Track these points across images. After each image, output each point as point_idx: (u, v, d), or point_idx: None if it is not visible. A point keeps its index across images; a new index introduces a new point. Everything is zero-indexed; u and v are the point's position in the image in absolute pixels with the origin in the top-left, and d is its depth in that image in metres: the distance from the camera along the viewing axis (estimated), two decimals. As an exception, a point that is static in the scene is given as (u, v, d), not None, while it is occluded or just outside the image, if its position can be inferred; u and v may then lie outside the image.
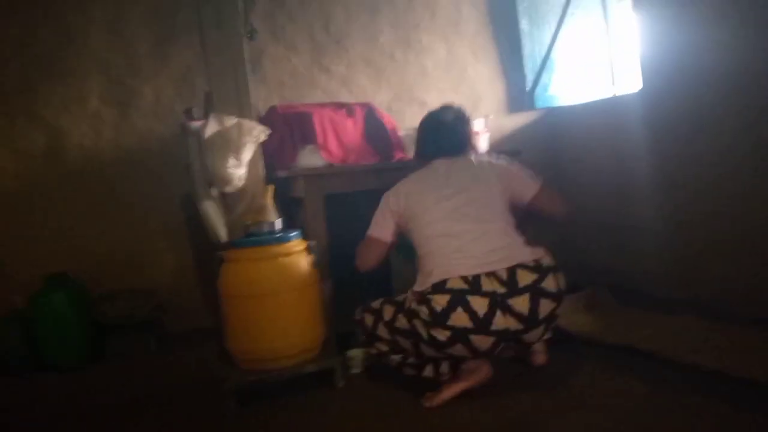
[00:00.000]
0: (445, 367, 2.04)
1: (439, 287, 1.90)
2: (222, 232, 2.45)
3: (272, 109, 2.86)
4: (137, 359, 2.84)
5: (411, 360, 2.05)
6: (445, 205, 2.05)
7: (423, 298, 1.93)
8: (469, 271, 1.90)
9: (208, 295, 3.11)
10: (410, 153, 2.98)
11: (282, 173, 2.64)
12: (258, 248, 2.17)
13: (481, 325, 1.86)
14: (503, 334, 1.91)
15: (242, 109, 2.50)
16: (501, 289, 1.88)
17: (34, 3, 2.98)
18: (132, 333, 2.94)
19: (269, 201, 2.34)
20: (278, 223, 2.28)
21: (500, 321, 1.88)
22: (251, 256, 2.16)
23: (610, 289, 2.96)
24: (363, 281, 2.68)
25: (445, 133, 2.22)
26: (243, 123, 2.37)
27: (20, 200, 3.00)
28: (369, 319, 2.11)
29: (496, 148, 3.28)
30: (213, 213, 2.45)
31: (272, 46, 3.33)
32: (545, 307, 1.93)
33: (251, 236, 2.23)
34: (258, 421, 1.99)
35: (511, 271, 1.91)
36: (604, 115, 3.33)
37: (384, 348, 2.08)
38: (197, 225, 2.56)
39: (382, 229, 2.16)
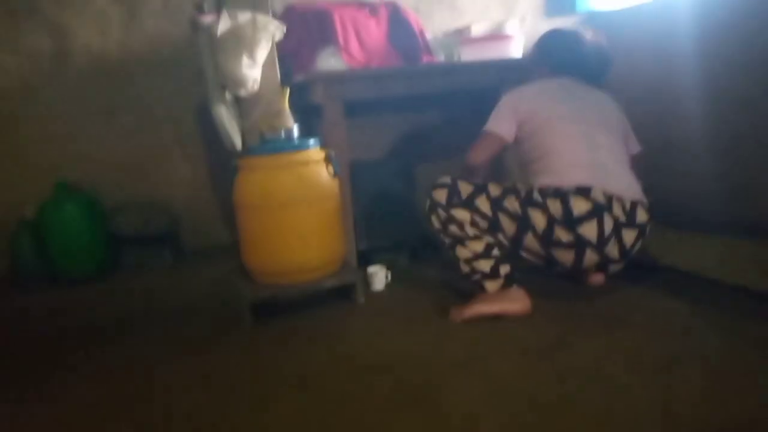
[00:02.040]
0: (504, 269, 1.92)
1: (584, 192, 1.86)
2: (237, 139, 2.30)
3: (289, 8, 2.64)
4: (152, 272, 2.78)
5: (479, 246, 1.92)
6: (580, 116, 2.02)
7: (559, 194, 1.86)
8: (610, 189, 1.89)
9: (225, 210, 3.02)
10: (440, 57, 2.77)
11: (299, 77, 2.45)
12: (274, 156, 2.02)
13: (600, 244, 1.86)
14: (605, 258, 1.91)
15: (257, 7, 2.29)
16: (622, 218, 1.88)
17: None
18: (147, 246, 2.86)
19: (286, 105, 2.17)
20: (296, 130, 2.11)
21: (610, 246, 1.88)
22: (267, 164, 2.01)
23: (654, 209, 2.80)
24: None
25: (585, 55, 2.14)
26: (258, 18, 2.18)
27: (27, 104, 2.85)
28: (466, 187, 1.96)
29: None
30: (227, 118, 2.30)
31: (289, -62, 3.05)
32: (638, 246, 1.95)
33: (267, 143, 2.08)
34: (275, 336, 1.91)
35: (633, 204, 1.92)
36: (652, 21, 3.02)
37: (466, 217, 1.92)
38: (214, 135, 2.41)
39: (502, 124, 2.06)
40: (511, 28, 2.72)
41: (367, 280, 2.25)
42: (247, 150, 2.13)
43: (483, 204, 1.93)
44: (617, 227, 1.86)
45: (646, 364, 1.53)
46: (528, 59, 2.31)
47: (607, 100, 2.13)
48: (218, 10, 2.27)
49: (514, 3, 3.38)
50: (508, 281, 1.92)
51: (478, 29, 2.70)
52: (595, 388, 1.43)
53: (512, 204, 1.91)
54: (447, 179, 2.00)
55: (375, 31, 2.58)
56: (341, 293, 2.15)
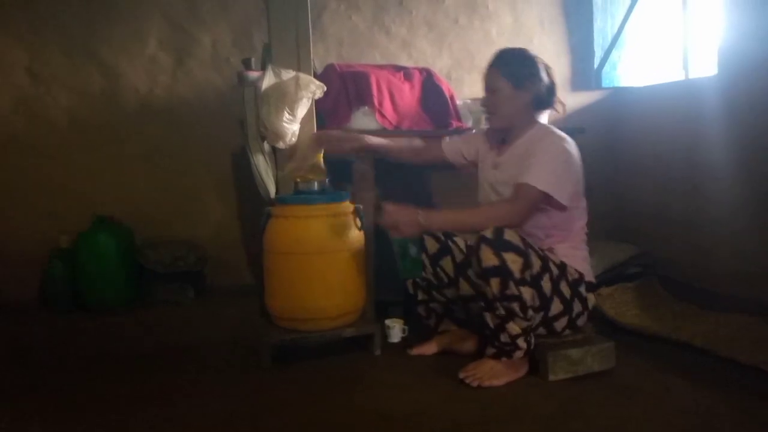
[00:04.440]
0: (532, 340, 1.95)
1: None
2: (271, 188, 2.41)
3: (329, 67, 2.79)
4: (177, 307, 2.87)
5: (528, 326, 1.88)
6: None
7: (592, 288, 2.06)
8: None
9: (251, 253, 3.12)
10: (468, 122, 2.89)
11: (334, 133, 2.57)
12: (307, 206, 2.12)
13: None
14: None
15: (301, 65, 2.44)
16: None
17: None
18: (174, 281, 2.96)
19: (320, 160, 2.29)
20: (328, 183, 2.22)
21: None
22: (299, 214, 2.12)
23: (670, 282, 2.85)
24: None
25: None
26: (300, 77, 2.31)
27: (75, 139, 3.03)
28: (536, 261, 1.85)
29: (556, 125, 3.15)
30: (263, 167, 2.42)
31: (333, 1, 3.25)
32: None
33: (300, 193, 2.19)
34: (292, 380, 1.97)
35: None
36: (675, 99, 3.14)
37: (531, 300, 1.83)
38: (247, 181, 2.53)
39: (565, 190, 1.90)
40: (538, 99, 2.83)
41: (384, 332, 2.31)
42: (281, 198, 2.23)
43: (546, 285, 1.87)
44: None
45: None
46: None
47: None
48: (264, 67, 2.43)
49: (542, 75, 3.52)
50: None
51: (506, 98, 2.82)
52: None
53: (565, 289, 1.93)
54: (514, 238, 1.79)
55: (408, 94, 2.71)
56: (358, 343, 2.20)
